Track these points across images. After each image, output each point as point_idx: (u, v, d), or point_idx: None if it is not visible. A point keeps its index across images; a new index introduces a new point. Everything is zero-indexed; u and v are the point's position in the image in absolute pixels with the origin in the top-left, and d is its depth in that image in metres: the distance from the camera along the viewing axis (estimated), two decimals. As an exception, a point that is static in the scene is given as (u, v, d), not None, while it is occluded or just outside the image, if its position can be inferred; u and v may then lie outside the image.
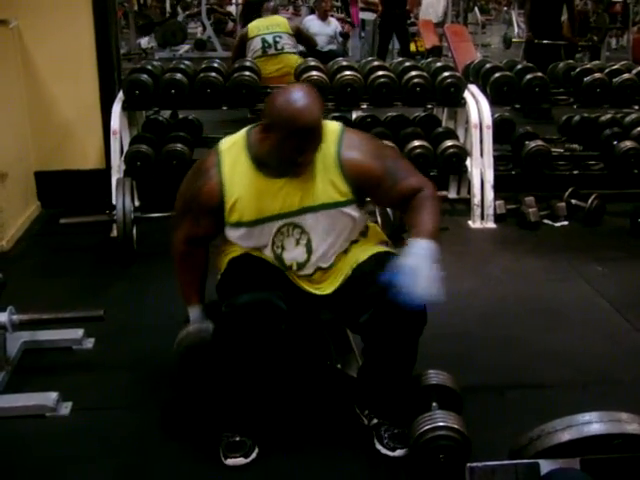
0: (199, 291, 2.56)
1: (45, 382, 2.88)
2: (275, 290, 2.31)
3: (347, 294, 2.40)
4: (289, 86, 2.31)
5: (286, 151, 2.21)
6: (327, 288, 2.43)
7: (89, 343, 3.21)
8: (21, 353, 3.08)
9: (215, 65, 4.97)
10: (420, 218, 2.33)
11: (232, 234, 2.41)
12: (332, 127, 2.38)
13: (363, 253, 2.42)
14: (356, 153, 2.34)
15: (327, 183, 2.32)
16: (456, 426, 2.30)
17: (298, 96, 2.18)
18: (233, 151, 2.37)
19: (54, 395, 2.73)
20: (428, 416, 2.34)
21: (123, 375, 3.01)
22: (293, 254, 2.38)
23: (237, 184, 2.32)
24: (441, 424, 2.30)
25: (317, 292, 2.44)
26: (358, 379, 2.61)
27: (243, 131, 2.41)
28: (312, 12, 10.01)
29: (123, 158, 4.68)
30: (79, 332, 3.20)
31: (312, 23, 8.50)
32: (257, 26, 6.59)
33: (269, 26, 6.52)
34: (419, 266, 2.19)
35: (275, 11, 7.11)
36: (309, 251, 2.38)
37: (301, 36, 6.74)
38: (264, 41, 6.42)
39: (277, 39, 6.43)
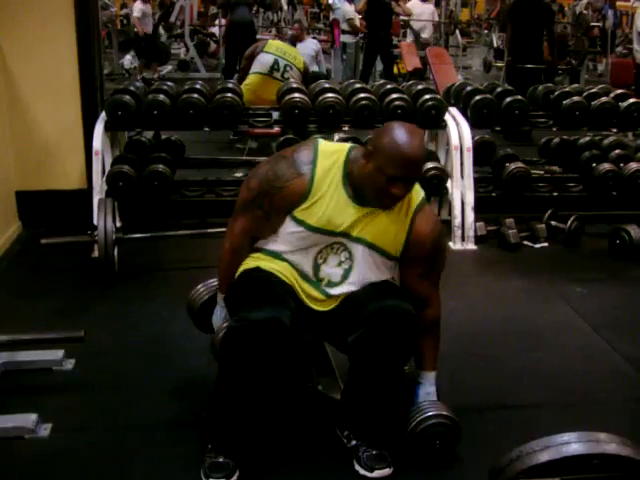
0: (230, 282, 2.57)
1: (24, 403, 2.86)
2: (284, 306, 2.34)
3: (341, 313, 2.44)
4: (401, 122, 2.35)
5: (381, 180, 2.24)
6: (328, 306, 2.46)
7: (69, 364, 3.18)
8: (0, 374, 3.05)
9: (198, 86, 4.98)
10: (429, 346, 2.57)
11: (287, 229, 2.40)
12: (417, 189, 2.45)
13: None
14: (426, 226, 2.43)
15: (392, 232, 2.40)
16: (447, 413, 2.50)
17: (408, 130, 2.27)
18: (331, 159, 2.40)
19: (33, 417, 2.71)
20: (418, 408, 2.50)
21: (103, 396, 2.99)
22: (330, 271, 2.43)
23: (324, 190, 2.36)
24: (434, 412, 2.48)
25: (317, 308, 2.46)
26: (341, 399, 2.62)
27: (346, 146, 2.46)
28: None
29: (105, 178, 4.66)
30: (59, 353, 3.17)
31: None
32: (277, 47, 6.59)
33: (288, 53, 6.54)
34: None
35: (296, 39, 7.36)
36: (345, 276, 2.43)
37: (306, 76, 6.63)
38: (276, 62, 6.41)
39: (287, 68, 6.43)
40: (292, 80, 5.54)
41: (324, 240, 2.40)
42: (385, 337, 2.31)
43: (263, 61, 6.47)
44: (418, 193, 2.45)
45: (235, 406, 2.42)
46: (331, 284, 2.44)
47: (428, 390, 2.56)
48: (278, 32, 14.48)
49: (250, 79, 6.38)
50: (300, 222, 2.38)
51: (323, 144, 2.46)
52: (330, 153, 2.42)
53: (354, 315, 2.37)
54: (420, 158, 2.31)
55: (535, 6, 7.82)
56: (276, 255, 2.46)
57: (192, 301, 2.87)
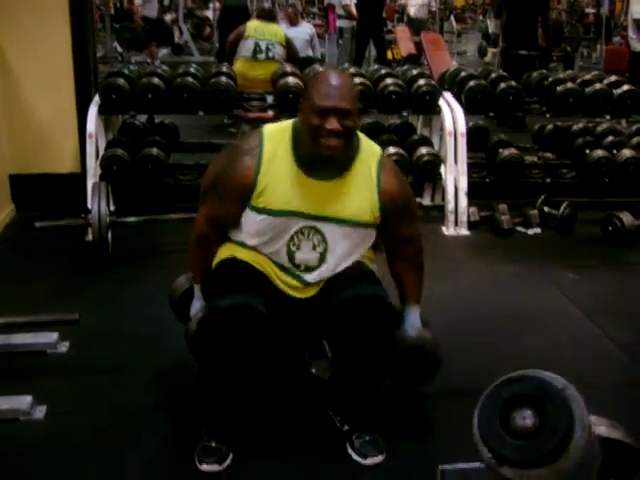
0: (205, 272, 2.55)
1: (19, 386, 2.86)
2: (257, 294, 2.34)
3: (318, 301, 2.44)
4: None
5: (314, 119, 2.24)
6: (307, 293, 2.46)
7: (64, 347, 3.19)
8: (-6, 357, 3.06)
9: (192, 70, 4.97)
10: (413, 280, 2.60)
11: (252, 220, 2.39)
12: (373, 147, 2.50)
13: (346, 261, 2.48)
14: (393, 182, 2.44)
15: (363, 201, 2.39)
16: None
17: (333, 70, 2.44)
18: (277, 138, 2.40)
19: (28, 399, 2.72)
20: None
21: (98, 379, 3.00)
22: (306, 257, 2.40)
23: (273, 171, 2.35)
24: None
25: (297, 295, 2.46)
26: (329, 386, 2.63)
27: (290, 121, 2.46)
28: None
29: (99, 162, 4.66)
30: (54, 336, 3.18)
31: (285, 30, 8.56)
32: (255, 28, 6.69)
33: (266, 33, 6.64)
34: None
35: (274, 18, 7.17)
36: (322, 259, 2.41)
37: (290, 48, 6.81)
38: (257, 45, 6.57)
39: (269, 47, 6.59)
40: (286, 64, 5.53)
41: (292, 225, 2.37)
42: (358, 324, 2.32)
43: (246, 46, 6.62)
44: (374, 153, 2.47)
45: (220, 392, 2.44)
46: (309, 269, 2.42)
47: (412, 323, 2.56)
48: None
49: (237, 64, 6.50)
50: (261, 210, 2.36)
51: (268, 127, 2.46)
52: (275, 133, 2.42)
53: (329, 303, 2.37)
54: (346, 87, 2.31)
55: None
56: (250, 248, 2.45)
57: (172, 292, 2.83)
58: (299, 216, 2.36)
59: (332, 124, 2.23)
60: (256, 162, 2.35)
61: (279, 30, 6.86)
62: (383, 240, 2.54)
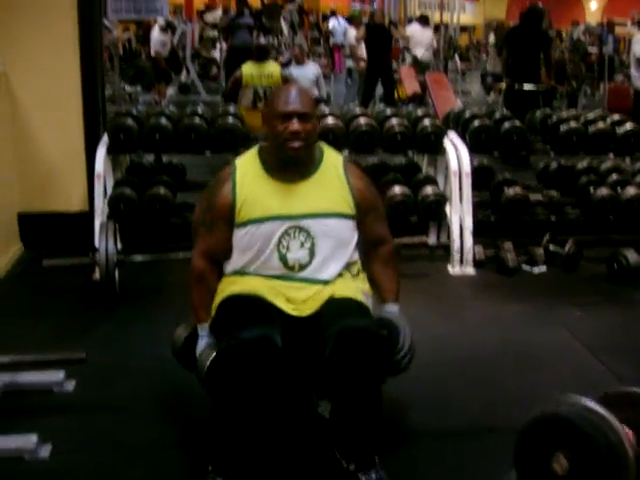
0: (207, 310, 2.63)
1: (25, 424, 2.87)
2: (272, 325, 2.39)
3: (315, 330, 2.46)
4: None
5: (278, 124, 2.47)
6: (306, 311, 2.51)
7: (70, 385, 3.20)
8: (1, 395, 3.06)
9: (199, 110, 5.04)
10: (389, 279, 2.71)
11: (240, 236, 2.54)
12: (336, 153, 2.71)
13: (343, 290, 2.54)
14: (360, 180, 2.64)
15: (337, 195, 2.57)
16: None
17: (288, 85, 2.57)
18: (246, 160, 2.64)
19: (34, 437, 2.72)
20: None
21: (104, 418, 3.01)
22: (297, 255, 2.53)
23: (247, 187, 2.55)
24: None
25: (296, 314, 2.50)
26: (331, 423, 2.62)
27: (256, 146, 2.69)
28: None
29: (107, 201, 4.70)
30: (60, 374, 3.19)
31: (292, 69, 8.72)
32: (251, 74, 6.69)
33: (262, 76, 6.64)
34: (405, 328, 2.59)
35: (267, 54, 7.12)
36: (312, 254, 2.53)
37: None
38: (255, 93, 6.58)
39: (267, 92, 6.57)
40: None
41: (277, 228, 2.51)
42: (349, 357, 2.34)
43: (245, 95, 6.66)
44: (337, 157, 2.67)
45: (233, 427, 2.43)
46: (302, 267, 2.53)
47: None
48: (278, 56, 14.62)
49: (240, 112, 6.48)
50: (245, 223, 2.52)
51: (240, 156, 2.70)
52: (244, 158, 2.66)
53: (321, 336, 2.40)
54: (304, 95, 2.53)
55: (532, 32, 7.92)
56: (245, 273, 2.56)
57: (174, 343, 2.80)
58: (282, 219, 2.52)
59: (294, 126, 2.45)
60: (232, 185, 2.55)
61: (274, 68, 6.85)
62: (363, 241, 2.66)
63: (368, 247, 2.69)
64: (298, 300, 2.53)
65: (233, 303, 2.51)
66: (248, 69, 6.75)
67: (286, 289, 2.53)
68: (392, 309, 2.66)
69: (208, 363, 2.48)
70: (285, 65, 10.27)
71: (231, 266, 2.60)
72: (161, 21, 12.08)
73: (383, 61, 10.51)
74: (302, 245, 2.53)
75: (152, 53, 12.38)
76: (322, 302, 2.52)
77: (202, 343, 2.59)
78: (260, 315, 2.43)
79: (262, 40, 7.68)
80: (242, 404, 2.37)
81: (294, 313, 2.51)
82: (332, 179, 2.59)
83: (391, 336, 2.55)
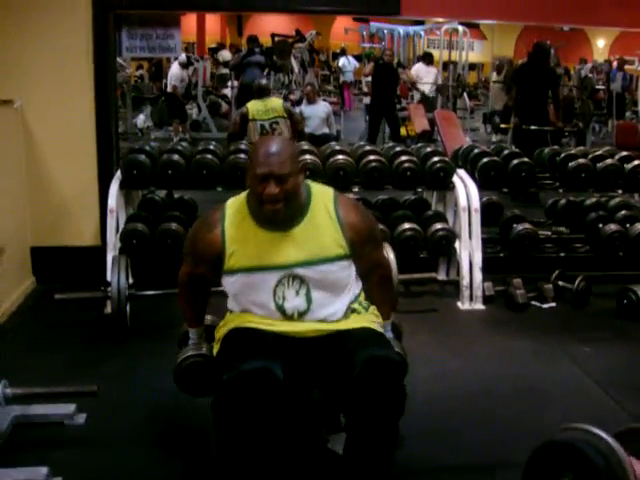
0: (198, 318, 2.78)
1: (35, 457, 2.88)
2: (274, 357, 2.40)
3: (330, 362, 2.48)
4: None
5: (256, 185, 2.44)
6: (309, 333, 2.53)
7: (81, 418, 3.21)
8: (12, 427, 3.08)
9: (211, 147, 5.10)
10: (385, 302, 2.76)
11: (229, 283, 2.56)
12: (325, 189, 2.66)
13: (360, 321, 2.57)
14: (353, 215, 2.59)
15: (329, 239, 2.53)
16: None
17: (270, 139, 2.66)
18: (235, 207, 2.59)
19: (44, 470, 2.72)
20: None
21: (114, 451, 3.02)
22: (294, 303, 2.51)
23: (237, 235, 2.52)
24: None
25: (300, 334, 2.52)
26: (344, 458, 2.62)
27: (246, 191, 2.63)
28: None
29: (119, 236, 4.75)
30: (71, 407, 3.21)
31: (302, 107, 8.85)
32: (256, 110, 6.72)
33: (267, 111, 6.68)
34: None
35: (267, 93, 7.08)
36: (309, 300, 2.51)
37: (292, 118, 6.83)
38: (262, 127, 6.62)
39: (274, 125, 6.63)
40: (303, 142, 5.64)
41: (271, 279, 2.50)
42: (375, 387, 2.35)
43: (252, 130, 6.68)
44: (326, 192, 2.64)
45: (237, 461, 2.44)
46: (301, 314, 2.53)
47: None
48: (289, 94, 14.77)
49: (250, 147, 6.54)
50: (235, 270, 2.52)
51: (230, 199, 2.66)
52: (234, 203, 2.62)
53: (342, 364, 2.41)
54: (282, 153, 2.45)
55: (540, 70, 7.98)
56: (249, 314, 2.58)
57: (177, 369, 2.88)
58: (274, 269, 2.50)
59: (271, 189, 2.41)
60: (221, 231, 2.53)
61: (277, 103, 6.89)
62: (361, 269, 2.67)
63: (364, 272, 2.70)
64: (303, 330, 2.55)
65: (236, 336, 2.53)
66: (253, 105, 6.79)
67: (287, 326, 2.54)
68: (386, 328, 2.71)
69: (179, 360, 2.69)
70: (297, 103, 10.39)
71: (230, 306, 2.66)
72: (182, 57, 12.30)
73: (388, 99, 10.63)
74: (297, 293, 2.51)
75: (169, 88, 12.54)
76: (332, 330, 2.53)
77: (188, 344, 2.76)
78: (261, 347, 2.44)
79: (264, 80, 7.68)
80: (244, 436, 2.37)
81: (296, 329, 2.53)
82: (323, 220, 2.54)
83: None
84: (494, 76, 14.50)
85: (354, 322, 2.57)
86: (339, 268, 2.55)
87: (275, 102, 6.88)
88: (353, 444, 2.52)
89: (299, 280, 2.50)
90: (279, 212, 2.44)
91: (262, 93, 6.85)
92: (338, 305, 2.57)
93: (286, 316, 2.52)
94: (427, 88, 12.14)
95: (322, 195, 2.60)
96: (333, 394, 2.53)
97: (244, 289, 2.54)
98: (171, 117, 12.38)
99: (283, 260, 2.49)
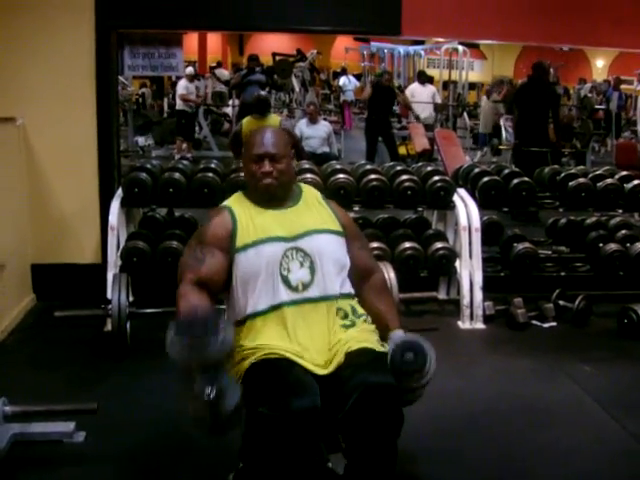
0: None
1: (34, 475, 2.89)
2: (315, 393, 2.34)
3: (333, 385, 2.44)
4: None
5: (251, 166, 2.67)
6: (331, 366, 2.48)
7: (80, 437, 3.20)
8: (11, 445, 3.06)
9: (212, 165, 5.11)
10: (388, 308, 2.75)
11: (242, 263, 2.58)
12: (312, 189, 2.90)
13: (361, 339, 2.53)
14: (342, 212, 2.85)
15: (325, 216, 2.74)
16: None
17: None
18: (235, 200, 2.77)
19: (43, 489, 2.73)
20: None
21: (113, 469, 3.01)
22: (298, 275, 2.57)
23: (245, 217, 2.66)
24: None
25: (318, 372, 2.46)
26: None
27: (237, 193, 2.84)
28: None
29: (120, 254, 4.76)
30: (70, 425, 3.20)
31: (304, 127, 8.90)
32: (251, 130, 6.61)
33: None
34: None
35: (268, 107, 6.93)
36: (312, 271, 2.58)
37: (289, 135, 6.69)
38: None
39: None
40: (304, 161, 5.65)
41: (278, 250, 2.58)
42: (371, 413, 2.31)
43: None
44: (315, 192, 2.86)
45: None
46: (306, 286, 2.56)
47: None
48: (289, 112, 14.83)
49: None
50: (248, 245, 2.59)
51: (226, 200, 2.81)
52: (233, 198, 2.80)
53: (340, 389, 2.37)
54: (276, 137, 2.72)
55: (540, 90, 8.02)
56: (255, 317, 2.54)
57: None
58: (279, 240, 2.59)
59: (265, 167, 2.65)
60: (229, 214, 2.67)
61: (274, 122, 6.63)
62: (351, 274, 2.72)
63: (358, 280, 2.73)
64: (323, 354, 2.49)
65: (267, 367, 2.44)
66: (248, 124, 6.65)
67: (308, 340, 2.50)
68: (399, 334, 2.63)
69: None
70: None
71: (237, 310, 2.59)
72: (190, 69, 12.46)
73: (384, 120, 10.70)
74: (302, 265, 2.58)
75: (178, 106, 12.63)
76: (339, 361, 2.48)
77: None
78: (302, 382, 2.37)
79: (264, 92, 7.41)
80: (278, 469, 2.32)
81: (321, 372, 2.47)
82: (316, 207, 2.76)
83: (417, 359, 2.48)
84: (484, 100, 14.36)
85: (359, 338, 2.53)
86: (337, 242, 2.68)
87: (272, 121, 6.65)
88: (352, 468, 2.49)
89: (302, 253, 2.59)
90: (272, 187, 2.66)
91: (262, 107, 6.71)
92: (339, 281, 2.63)
93: (291, 288, 2.55)
94: (423, 109, 12.12)
95: (311, 190, 2.86)
96: (332, 416, 2.50)
97: (256, 265, 2.56)
98: (178, 134, 12.46)
99: (287, 232, 2.61)
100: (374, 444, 2.36)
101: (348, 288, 2.67)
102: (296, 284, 2.56)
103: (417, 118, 12.02)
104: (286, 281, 2.56)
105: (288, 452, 2.28)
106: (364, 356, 2.48)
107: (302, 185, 2.87)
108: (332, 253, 2.64)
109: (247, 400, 2.40)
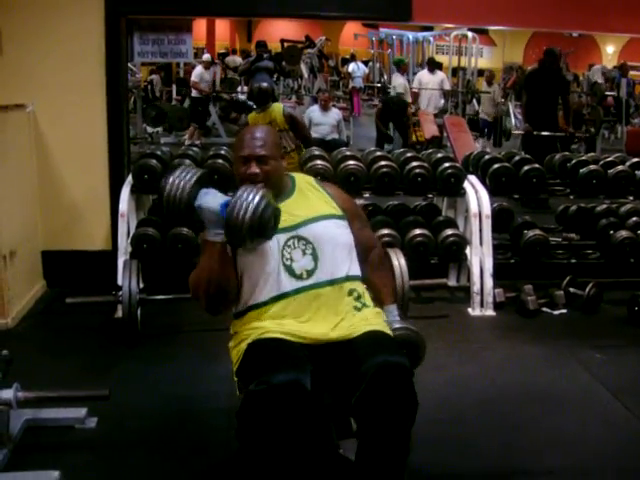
0: None
1: (47, 460, 2.89)
2: (304, 369, 2.36)
3: (341, 368, 2.45)
4: None
5: (239, 167, 2.61)
6: (337, 333, 2.51)
7: (92, 422, 3.22)
8: (23, 430, 3.09)
9: (222, 152, 5.11)
10: (384, 282, 2.83)
11: (243, 256, 2.57)
12: (305, 175, 2.95)
13: (376, 322, 2.57)
14: (338, 191, 2.84)
15: (322, 202, 2.72)
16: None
17: (252, 126, 2.81)
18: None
19: (55, 474, 2.74)
20: None
21: (125, 455, 3.03)
22: (301, 263, 2.56)
23: None
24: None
25: (325, 338, 2.49)
26: (355, 465, 2.61)
27: None
28: (315, 101, 10.42)
29: (130, 240, 4.76)
30: (82, 411, 3.22)
31: (314, 114, 8.91)
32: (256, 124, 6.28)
33: (269, 123, 6.24)
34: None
35: (267, 98, 6.62)
36: (315, 258, 2.58)
37: (294, 125, 6.45)
38: None
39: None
40: (313, 148, 5.62)
41: (278, 242, 2.55)
42: (388, 393, 2.32)
43: None
44: (305, 176, 2.92)
45: (260, 471, 2.40)
46: (310, 273, 2.56)
47: (393, 318, 2.73)
48: (298, 99, 14.80)
49: None
50: None
51: None
52: None
53: (353, 372, 2.37)
54: (264, 137, 2.64)
55: (550, 76, 7.98)
56: (260, 307, 2.55)
57: None
58: (279, 231, 2.54)
59: (252, 169, 2.58)
60: None
61: (277, 113, 6.43)
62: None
63: (360, 254, 2.74)
64: (329, 322, 2.53)
65: (260, 347, 2.49)
66: (252, 120, 6.55)
67: (307, 322, 2.52)
68: (392, 310, 2.75)
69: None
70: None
71: (243, 299, 2.60)
72: (206, 56, 12.78)
73: (395, 109, 10.70)
74: (304, 253, 2.57)
75: (193, 93, 12.73)
76: (355, 325, 2.52)
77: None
78: (289, 358, 2.40)
79: (265, 83, 7.16)
80: (269, 447, 2.34)
81: (327, 337, 2.50)
82: (312, 194, 2.74)
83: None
84: (484, 86, 13.84)
85: (364, 323, 2.55)
86: (336, 225, 2.66)
87: (276, 112, 6.47)
88: (364, 452, 2.49)
89: (304, 241, 2.58)
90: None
91: (262, 98, 6.52)
92: (346, 264, 2.62)
93: (295, 277, 2.55)
94: (426, 99, 12.01)
95: (303, 178, 2.85)
96: (344, 400, 2.51)
97: (254, 259, 2.55)
98: (192, 121, 12.54)
99: (286, 222, 2.57)
100: (388, 424, 2.35)
101: (356, 270, 2.67)
102: (300, 272, 2.56)
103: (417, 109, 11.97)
104: (290, 270, 2.55)
105: (274, 427, 2.29)
106: (379, 339, 2.49)
107: (294, 175, 2.85)
108: (334, 237, 2.63)
109: (242, 381, 2.49)
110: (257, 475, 2.42)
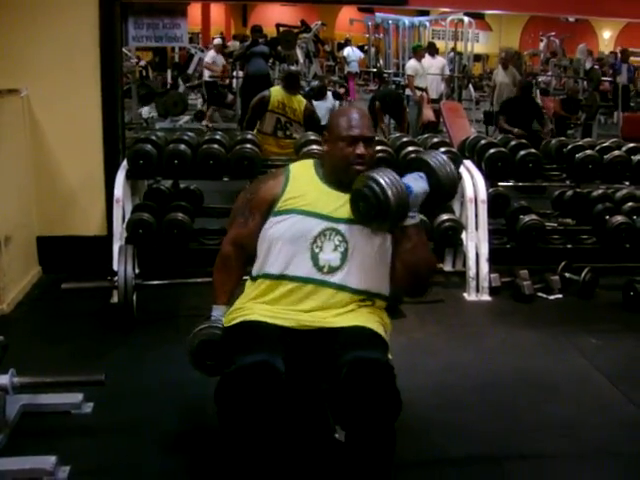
0: (227, 294, 2.75)
1: (43, 446, 2.88)
2: (277, 352, 2.37)
3: (320, 357, 2.46)
4: None
5: (344, 147, 2.55)
6: (315, 322, 2.51)
7: (88, 407, 3.21)
8: (20, 416, 3.08)
9: (218, 137, 5.09)
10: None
11: (275, 224, 2.58)
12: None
13: (357, 318, 2.53)
14: None
15: None
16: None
17: (348, 106, 2.59)
18: (301, 167, 2.77)
19: (52, 459, 2.72)
20: None
21: (122, 440, 3.03)
22: (329, 257, 2.54)
23: (299, 183, 2.65)
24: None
25: (310, 323, 2.50)
26: (345, 460, 2.50)
27: (312, 159, 2.83)
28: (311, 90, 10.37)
29: (125, 225, 4.75)
30: (78, 396, 3.21)
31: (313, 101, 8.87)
32: (278, 102, 6.37)
33: (288, 109, 6.36)
34: None
35: (297, 85, 6.68)
36: (344, 259, 2.54)
37: (311, 120, 6.47)
38: (278, 122, 6.33)
39: (288, 125, 6.35)
40: (309, 132, 5.61)
41: (315, 226, 2.55)
42: (360, 389, 2.29)
43: (267, 121, 6.39)
44: None
45: (240, 454, 2.40)
46: (332, 270, 2.53)
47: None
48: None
49: (257, 137, 6.00)
50: (288, 210, 2.59)
51: (293, 164, 2.81)
52: (299, 165, 2.80)
53: (333, 364, 2.37)
54: (366, 119, 2.64)
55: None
56: (273, 277, 2.56)
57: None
58: (321, 218, 2.55)
59: (361, 149, 2.55)
60: (284, 179, 2.67)
61: (299, 105, 6.46)
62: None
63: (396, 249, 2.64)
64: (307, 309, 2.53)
65: (239, 329, 2.52)
66: (277, 95, 6.44)
67: (305, 297, 2.53)
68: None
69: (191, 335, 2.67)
70: (306, 97, 10.29)
71: (258, 266, 2.62)
72: (218, 40, 13.04)
73: (394, 95, 10.67)
74: (336, 248, 2.54)
75: (205, 77, 12.89)
76: (332, 316, 2.52)
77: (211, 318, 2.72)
78: (262, 340, 2.42)
79: (295, 67, 7.13)
80: (246, 428, 2.35)
81: (302, 324, 2.51)
82: None
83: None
84: (500, 72, 11.18)
85: (354, 317, 2.53)
86: (380, 239, 2.57)
87: (298, 104, 6.43)
88: (349, 442, 2.48)
89: (340, 236, 2.54)
90: (361, 172, 2.53)
91: (291, 83, 6.47)
92: (369, 280, 2.57)
93: (317, 267, 2.53)
94: (431, 82, 11.86)
95: None
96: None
97: (289, 231, 2.55)
98: (210, 104, 12.70)
99: (333, 212, 2.56)
100: (365, 419, 2.31)
101: (379, 288, 2.61)
102: (323, 264, 2.53)
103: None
104: (314, 258, 2.53)
105: (245, 407, 2.30)
106: (357, 332, 2.48)
107: None
108: (370, 249, 2.55)
109: (222, 364, 2.50)
110: (239, 457, 2.41)
